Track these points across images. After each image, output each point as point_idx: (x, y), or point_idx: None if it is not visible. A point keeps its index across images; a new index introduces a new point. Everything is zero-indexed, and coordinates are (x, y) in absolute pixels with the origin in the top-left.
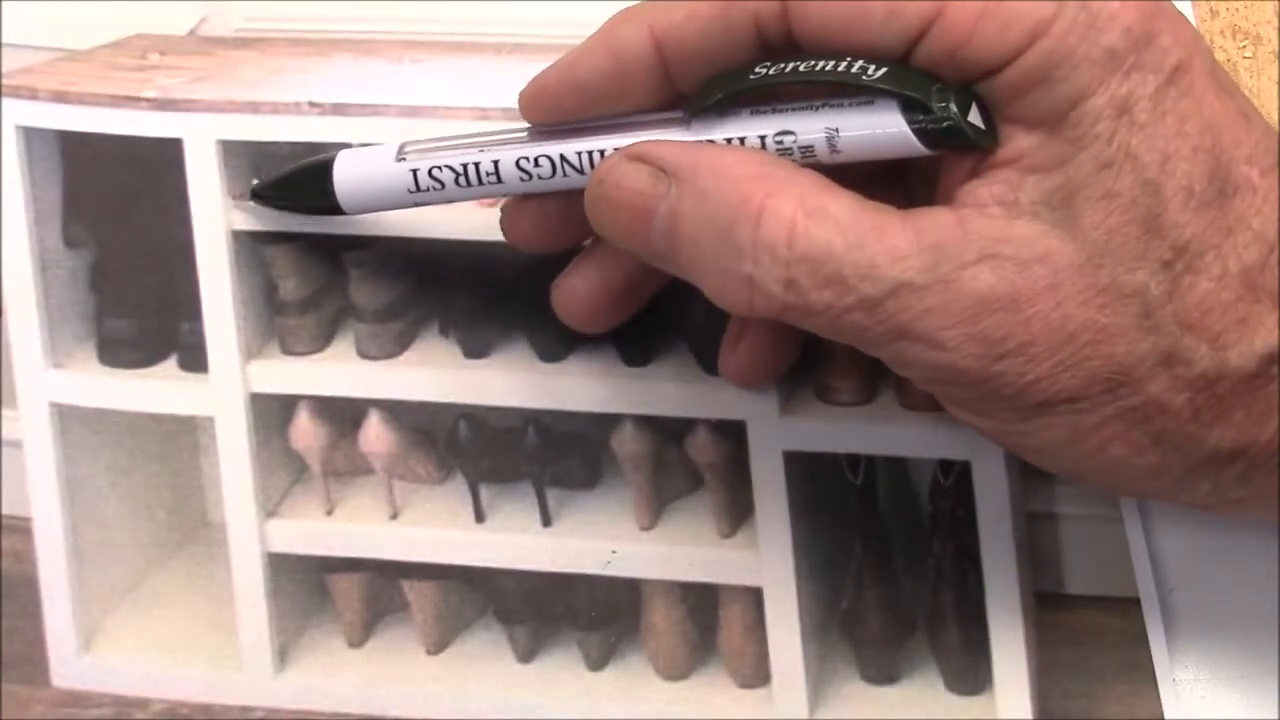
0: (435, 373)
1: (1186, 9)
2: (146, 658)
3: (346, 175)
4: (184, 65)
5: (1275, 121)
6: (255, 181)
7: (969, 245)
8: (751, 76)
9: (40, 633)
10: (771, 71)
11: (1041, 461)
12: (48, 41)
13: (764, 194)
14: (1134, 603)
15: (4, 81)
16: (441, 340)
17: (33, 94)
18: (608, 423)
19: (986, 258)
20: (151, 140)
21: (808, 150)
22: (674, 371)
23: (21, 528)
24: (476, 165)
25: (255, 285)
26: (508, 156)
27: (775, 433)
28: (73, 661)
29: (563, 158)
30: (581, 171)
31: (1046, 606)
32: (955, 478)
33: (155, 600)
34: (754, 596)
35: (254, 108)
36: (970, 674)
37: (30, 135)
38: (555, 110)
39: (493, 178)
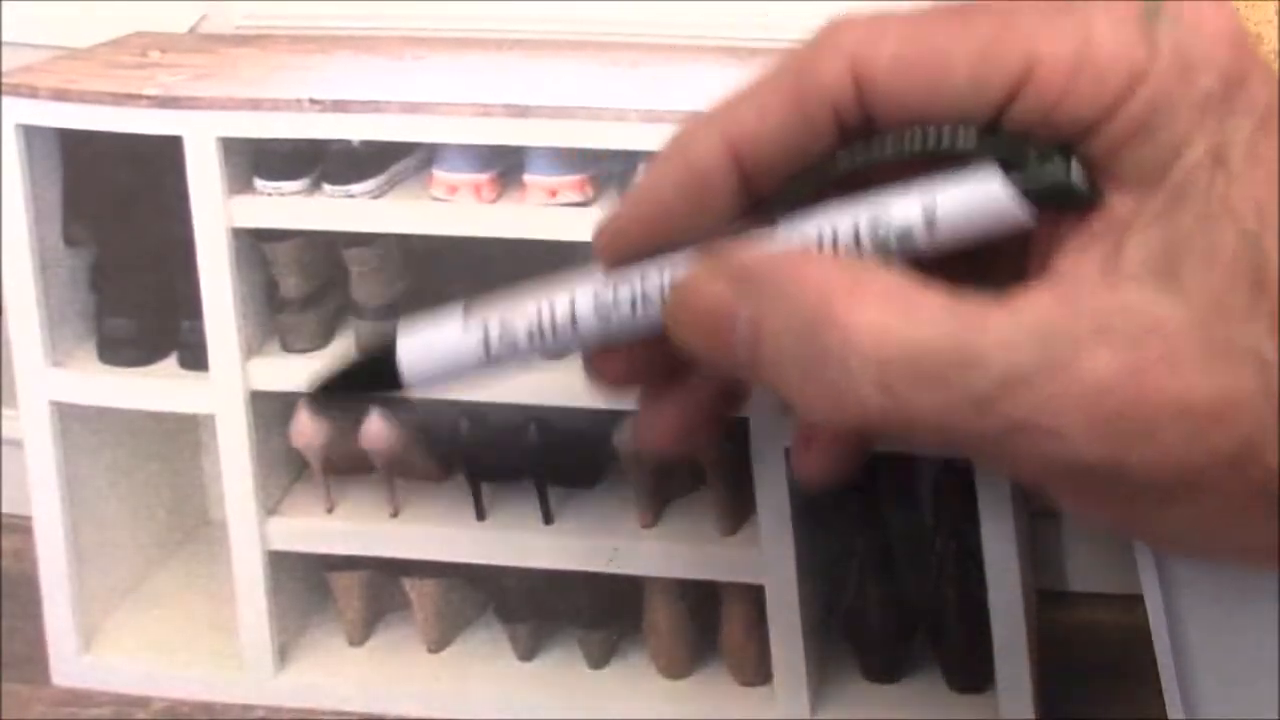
0: None
1: None
2: (147, 657)
3: (412, 351)
4: (184, 63)
5: None
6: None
7: (1078, 323)
8: (838, 162)
9: (40, 632)
10: (857, 158)
11: (1166, 548)
12: (48, 40)
13: (847, 294)
14: (1137, 600)
15: (4, 80)
16: None
17: (33, 92)
18: (609, 420)
19: (1099, 334)
20: (152, 138)
21: (904, 234)
22: None
23: (21, 527)
24: (552, 313)
25: (256, 283)
26: (584, 298)
27: (777, 431)
28: (73, 661)
29: (644, 291)
30: (666, 300)
31: (1049, 604)
32: (958, 476)
33: (155, 600)
34: (755, 595)
35: (255, 105)
36: (972, 672)
37: (30, 134)
38: (639, 242)
39: (568, 322)
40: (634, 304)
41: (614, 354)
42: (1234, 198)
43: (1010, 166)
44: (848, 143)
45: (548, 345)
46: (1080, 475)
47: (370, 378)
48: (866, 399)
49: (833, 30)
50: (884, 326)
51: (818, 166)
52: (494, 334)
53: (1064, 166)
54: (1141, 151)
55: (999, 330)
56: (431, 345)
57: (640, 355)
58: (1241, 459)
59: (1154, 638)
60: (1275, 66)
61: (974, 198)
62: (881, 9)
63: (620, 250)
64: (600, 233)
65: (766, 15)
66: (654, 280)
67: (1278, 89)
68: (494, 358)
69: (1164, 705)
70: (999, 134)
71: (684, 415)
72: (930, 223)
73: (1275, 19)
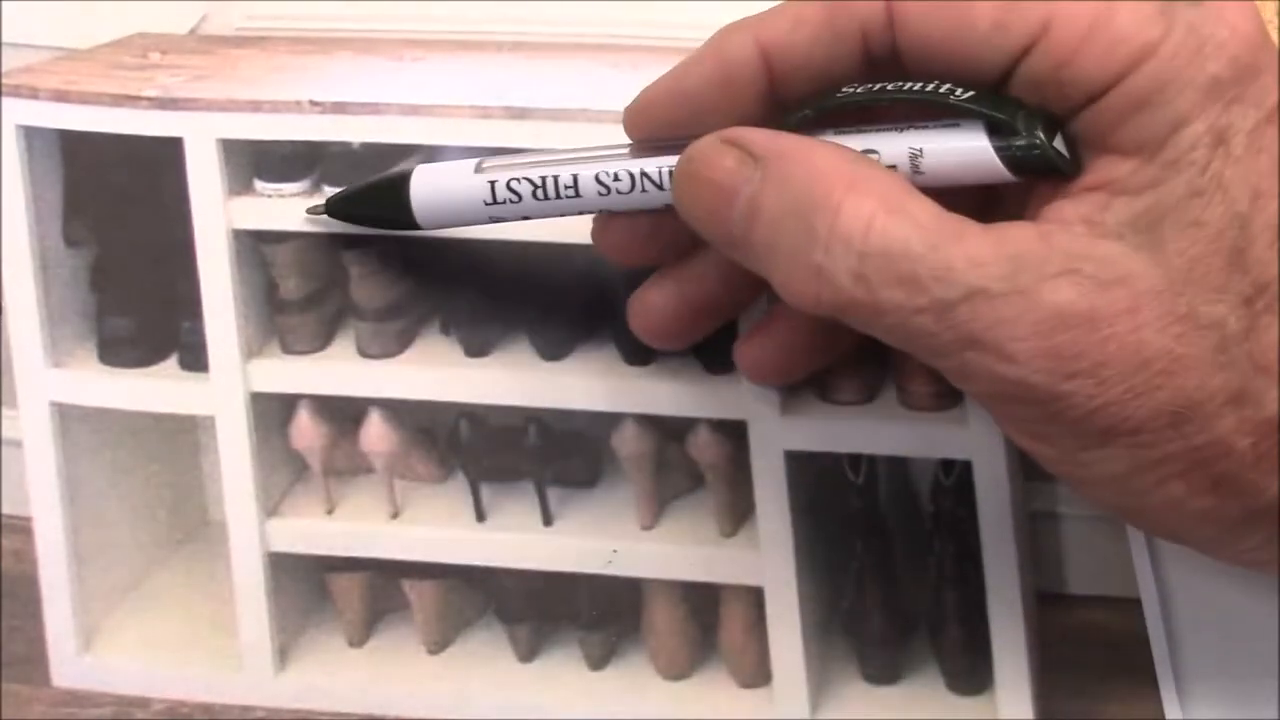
0: (436, 371)
1: None
2: (146, 658)
3: (423, 189)
4: (185, 64)
5: None
6: (326, 198)
7: (1050, 258)
8: (839, 95)
9: (40, 632)
10: (859, 90)
11: (1096, 496)
12: (48, 40)
13: (846, 186)
14: (1135, 603)
15: (4, 81)
16: (442, 339)
17: (33, 93)
18: (609, 421)
19: (1067, 272)
20: (152, 139)
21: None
22: (675, 370)
23: (21, 528)
24: (555, 178)
25: (256, 284)
26: (587, 171)
27: (776, 432)
28: (73, 661)
29: (643, 173)
30: (661, 188)
31: (1048, 606)
32: (956, 477)
33: (155, 600)
34: (755, 596)
35: (255, 106)
36: (971, 674)
37: (30, 135)
38: (662, 122)
39: (571, 191)
40: (632, 184)
41: (617, 223)
42: (1229, 178)
43: (998, 127)
44: (870, 70)
45: (551, 206)
46: (1023, 400)
47: (382, 206)
48: (841, 285)
49: None
50: (871, 219)
51: (823, 93)
52: (500, 187)
53: (1049, 136)
54: (1142, 122)
55: (975, 247)
56: (442, 185)
57: (643, 227)
58: (1182, 419)
59: (1151, 640)
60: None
61: (960, 150)
62: None
63: (641, 125)
64: (631, 106)
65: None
66: (652, 166)
67: None
68: (497, 207)
69: (1161, 706)
70: (995, 95)
71: (677, 300)
72: (915, 165)
73: (1276, 19)
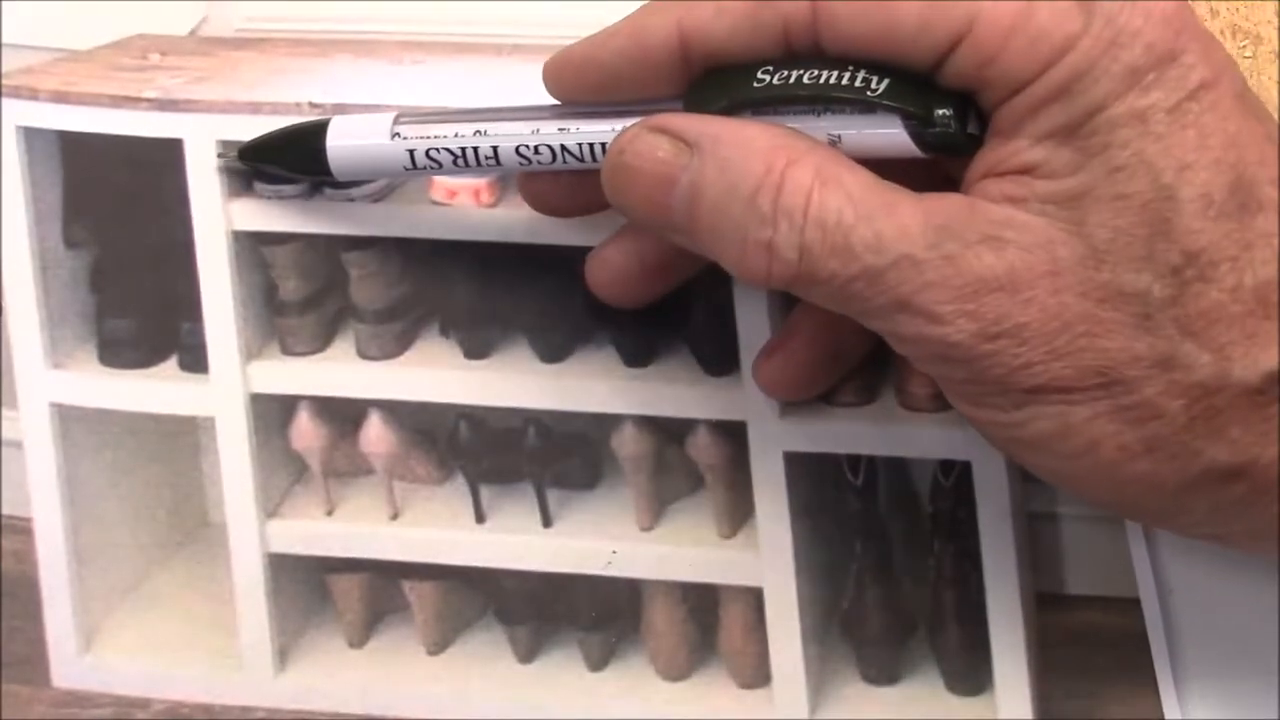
0: (436, 373)
1: None
2: (146, 658)
3: (340, 144)
4: (184, 65)
5: (1276, 121)
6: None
7: (973, 226)
8: (755, 85)
9: (40, 633)
10: (775, 81)
11: (1035, 462)
12: (48, 41)
13: (785, 162)
14: (1134, 603)
15: (4, 81)
16: (442, 340)
17: (33, 94)
18: (608, 423)
19: (989, 239)
20: (152, 140)
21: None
22: (675, 372)
23: (22, 528)
24: (475, 150)
25: (255, 285)
26: (507, 144)
27: (776, 433)
28: (73, 661)
29: (563, 147)
30: (581, 160)
31: (1047, 607)
32: (956, 478)
33: (155, 600)
34: (754, 597)
35: (254, 108)
36: (971, 674)
37: (30, 135)
38: (575, 86)
39: (491, 161)
40: (553, 157)
41: (541, 177)
42: (1153, 153)
43: (911, 114)
44: (786, 59)
45: (469, 171)
46: (953, 358)
47: (297, 152)
48: (789, 259)
49: None
50: (810, 194)
51: (739, 78)
52: (419, 155)
53: (961, 118)
54: (1059, 110)
55: (905, 218)
56: (359, 143)
57: (564, 184)
58: (1109, 380)
59: (1151, 640)
60: (1275, 64)
61: (876, 136)
62: None
63: (556, 84)
64: (550, 63)
65: None
66: (572, 142)
67: (1220, 68)
68: (417, 171)
69: (1161, 706)
70: (906, 83)
71: (634, 259)
72: (835, 149)
73: (1275, 19)
